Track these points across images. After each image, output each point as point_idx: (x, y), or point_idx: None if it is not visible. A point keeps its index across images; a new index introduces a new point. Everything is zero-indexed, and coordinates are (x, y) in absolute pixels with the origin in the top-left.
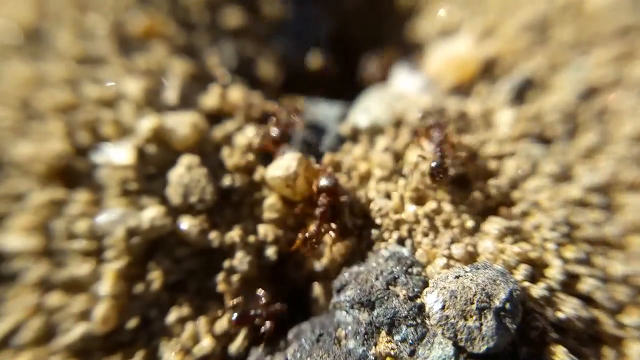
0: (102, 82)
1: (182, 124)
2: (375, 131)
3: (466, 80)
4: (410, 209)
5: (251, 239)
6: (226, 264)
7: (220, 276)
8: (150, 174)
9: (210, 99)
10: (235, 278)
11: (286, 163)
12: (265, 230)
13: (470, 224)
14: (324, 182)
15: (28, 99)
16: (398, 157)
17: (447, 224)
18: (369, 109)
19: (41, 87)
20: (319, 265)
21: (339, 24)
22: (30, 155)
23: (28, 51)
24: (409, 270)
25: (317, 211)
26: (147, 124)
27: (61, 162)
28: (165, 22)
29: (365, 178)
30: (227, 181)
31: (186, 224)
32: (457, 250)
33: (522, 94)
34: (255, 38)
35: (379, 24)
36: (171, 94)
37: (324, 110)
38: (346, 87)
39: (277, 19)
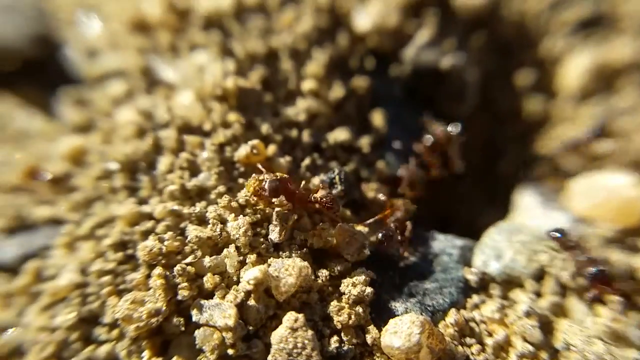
0: (205, 222)
1: (288, 271)
2: (510, 283)
3: (631, 228)
4: None
5: None
6: None
7: None
8: (248, 335)
9: (315, 237)
10: None
11: (406, 329)
12: None
13: None
14: None
15: (125, 245)
16: (547, 326)
17: None
18: (500, 251)
19: (139, 230)
20: None
21: None
22: (126, 315)
23: (126, 187)
24: None
25: None
26: (251, 274)
27: (156, 323)
28: (269, 148)
29: (503, 349)
30: (334, 343)
31: None
32: None
33: None
34: (360, 157)
35: (494, 134)
36: (275, 232)
37: (439, 245)
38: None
39: (382, 134)
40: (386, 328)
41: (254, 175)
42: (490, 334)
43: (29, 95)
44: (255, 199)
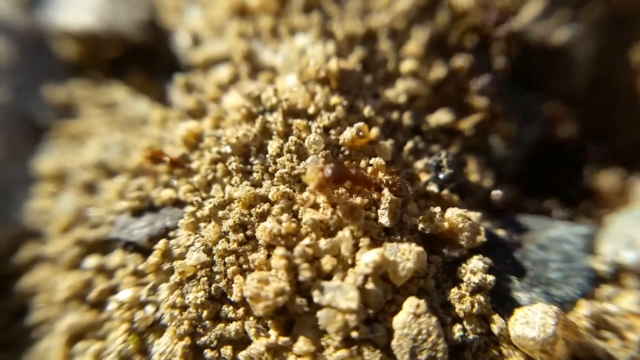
0: (316, 205)
1: (405, 255)
2: None
3: None
4: None
5: None
6: None
7: None
8: (369, 319)
9: (426, 222)
10: None
11: (539, 319)
12: None
13: None
14: None
15: (244, 226)
16: None
17: None
18: (632, 239)
19: (256, 212)
20: None
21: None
22: (254, 293)
23: (240, 170)
24: None
25: None
26: (370, 257)
27: (282, 301)
28: (372, 131)
29: None
30: (457, 332)
31: None
32: None
33: None
34: (463, 139)
35: (607, 116)
36: (385, 216)
37: (557, 232)
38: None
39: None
40: (514, 318)
41: (307, 166)
42: (632, 329)
43: (138, 81)
44: (318, 192)
